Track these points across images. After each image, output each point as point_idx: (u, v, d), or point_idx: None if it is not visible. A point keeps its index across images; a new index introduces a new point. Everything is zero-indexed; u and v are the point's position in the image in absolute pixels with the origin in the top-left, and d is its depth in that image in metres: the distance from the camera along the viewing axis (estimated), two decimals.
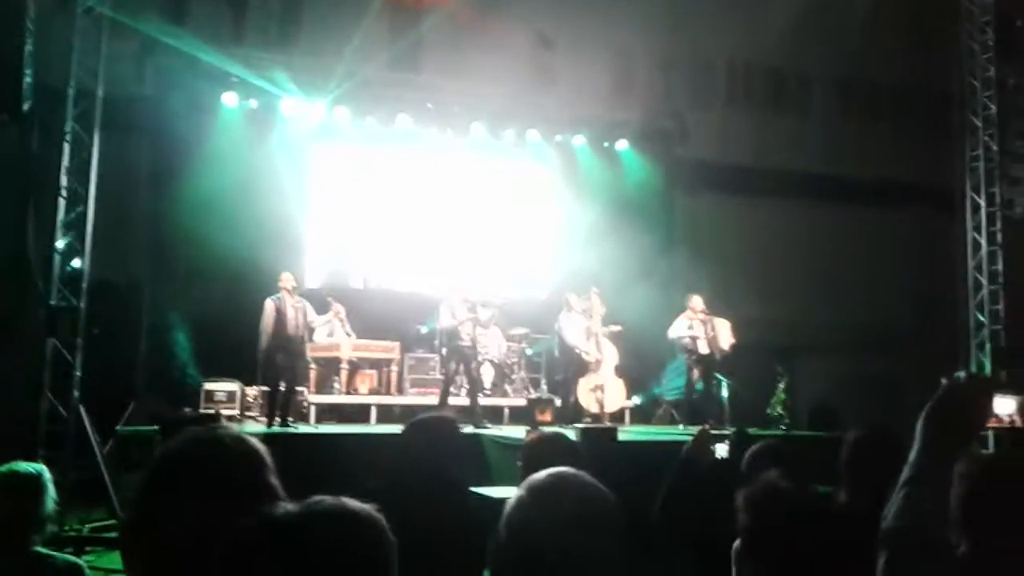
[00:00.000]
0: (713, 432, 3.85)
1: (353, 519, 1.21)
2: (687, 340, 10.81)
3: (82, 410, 8.41)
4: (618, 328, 11.21)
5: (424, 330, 11.75)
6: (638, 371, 12.15)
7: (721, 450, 3.53)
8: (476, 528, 2.93)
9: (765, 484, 2.16)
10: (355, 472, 3.51)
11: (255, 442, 1.69)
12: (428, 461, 2.99)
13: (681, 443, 3.46)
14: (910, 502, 1.58)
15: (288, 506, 1.22)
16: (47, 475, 2.94)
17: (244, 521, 1.21)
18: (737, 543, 2.17)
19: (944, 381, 1.70)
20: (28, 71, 9.35)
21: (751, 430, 8.64)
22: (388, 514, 1.27)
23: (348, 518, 1.20)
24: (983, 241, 12.85)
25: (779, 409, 11.05)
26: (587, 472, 1.66)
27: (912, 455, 1.64)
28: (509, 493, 1.68)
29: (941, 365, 11.78)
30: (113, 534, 7.62)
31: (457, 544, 2.71)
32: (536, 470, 1.69)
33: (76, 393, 8.50)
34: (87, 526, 7.89)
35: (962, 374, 1.70)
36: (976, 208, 12.99)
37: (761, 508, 2.08)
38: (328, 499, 1.23)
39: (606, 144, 14.28)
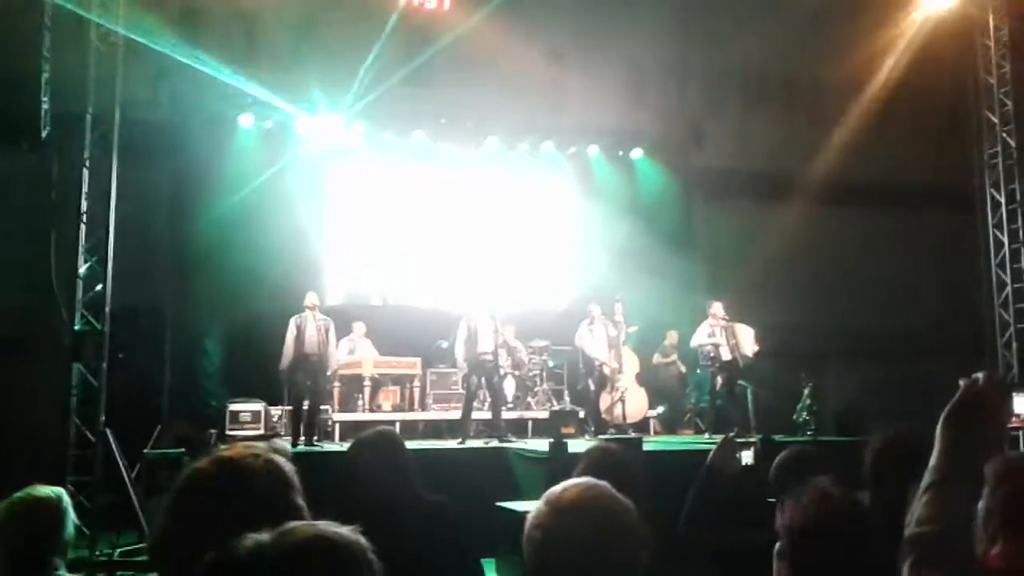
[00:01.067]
0: (738, 440, 3.82)
1: (329, 548, 1.14)
2: (709, 348, 10.76)
3: (109, 434, 8.45)
4: (634, 328, 11.19)
5: (444, 345, 11.75)
6: (659, 381, 12.11)
7: (747, 458, 3.49)
8: (441, 536, 2.94)
9: (815, 488, 2.16)
10: None
11: (282, 461, 1.69)
12: (374, 477, 3.00)
13: (706, 452, 3.43)
14: (934, 505, 1.55)
15: (259, 538, 1.15)
16: (67, 499, 2.94)
17: (213, 555, 1.16)
18: (778, 544, 2.16)
19: (962, 383, 1.68)
20: (46, 98, 9.48)
21: (777, 437, 8.57)
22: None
23: (323, 548, 1.14)
24: (1004, 239, 12.73)
25: (805, 415, 10.95)
26: (643, 487, 1.65)
27: (933, 459, 1.62)
28: (533, 507, 1.67)
29: (969, 366, 11.68)
30: (143, 558, 7.64)
31: (422, 557, 2.71)
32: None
33: (103, 417, 8.55)
34: (117, 550, 7.91)
35: (980, 375, 1.68)
36: (996, 206, 12.88)
37: (810, 511, 2.08)
38: (302, 526, 1.17)
39: (621, 153, 14.26)
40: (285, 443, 7.31)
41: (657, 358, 12.35)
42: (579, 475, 2.81)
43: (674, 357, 12.30)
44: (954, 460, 1.59)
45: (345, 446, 9.71)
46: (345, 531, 1.18)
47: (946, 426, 1.63)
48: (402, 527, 2.66)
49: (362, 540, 1.18)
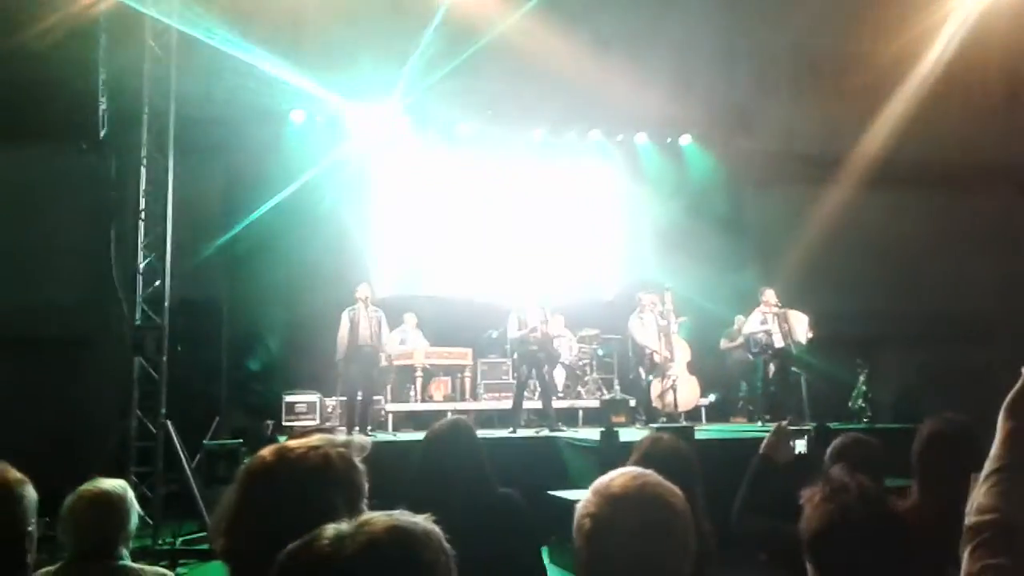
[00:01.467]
0: (792, 428, 3.79)
1: (407, 537, 1.17)
2: (761, 335, 10.66)
3: (170, 426, 8.65)
4: (684, 319, 11.13)
5: (495, 335, 11.80)
6: (711, 368, 12.03)
7: (800, 446, 3.45)
8: (511, 527, 2.97)
9: (827, 480, 2.07)
10: None
11: (351, 466, 1.69)
12: (449, 467, 3.05)
13: (759, 440, 3.40)
14: (995, 493, 1.54)
15: (341, 527, 1.17)
16: (130, 491, 3.02)
17: (295, 546, 1.18)
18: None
19: None
20: (103, 99, 9.70)
21: (832, 424, 8.48)
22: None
23: (402, 537, 1.16)
24: None
25: (860, 402, 10.80)
26: (696, 475, 1.64)
27: (994, 447, 1.60)
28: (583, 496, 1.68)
29: None
30: (204, 546, 7.82)
31: (493, 546, 2.73)
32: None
33: (163, 409, 8.75)
34: (179, 539, 8.11)
35: None
36: None
37: (818, 505, 2.01)
38: (380, 517, 1.19)
39: (669, 140, 14.16)
40: (366, 439, 7.42)
41: (724, 343, 12.21)
42: (632, 464, 2.82)
43: (740, 341, 12.15)
44: (1015, 448, 1.57)
45: (399, 436, 9.88)
46: (420, 520, 1.20)
47: (1008, 414, 1.61)
48: (475, 516, 2.70)
49: (437, 529, 1.20)
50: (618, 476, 1.64)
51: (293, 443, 1.70)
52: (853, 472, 2.11)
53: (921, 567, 1.63)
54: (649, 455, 2.85)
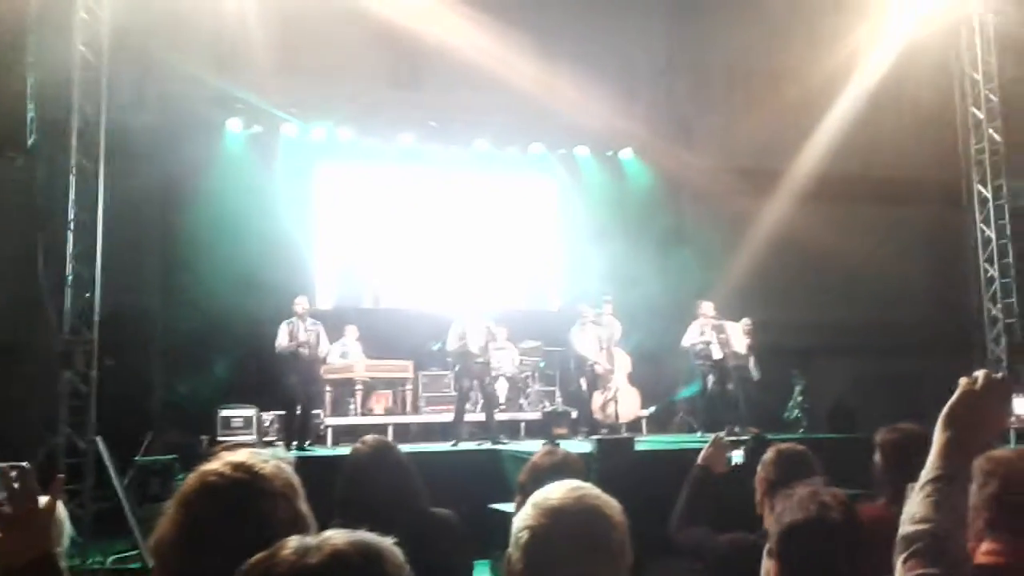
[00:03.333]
0: (729, 438, 3.83)
1: (372, 553, 1.18)
2: (700, 346, 10.77)
3: (99, 442, 8.41)
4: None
5: (436, 347, 11.74)
6: (652, 380, 12.11)
7: (737, 456, 3.49)
8: (441, 548, 2.92)
9: (804, 487, 2.16)
10: None
11: (291, 474, 1.68)
12: (379, 485, 2.98)
13: (698, 450, 3.43)
14: (930, 503, 1.55)
15: (305, 540, 1.19)
16: (62, 508, 2.92)
17: (255, 561, 1.19)
18: (768, 545, 2.15)
19: (962, 381, 1.68)
20: (31, 105, 9.42)
21: (768, 434, 8.59)
22: None
23: (368, 553, 1.18)
24: (992, 234, 12.76)
25: (796, 412, 10.98)
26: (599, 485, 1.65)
27: (931, 457, 1.62)
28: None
29: (958, 361, 11.73)
30: (136, 565, 7.62)
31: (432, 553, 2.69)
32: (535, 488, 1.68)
33: (92, 425, 8.50)
34: (110, 558, 7.88)
35: (980, 374, 1.68)
36: (983, 201, 12.90)
37: (799, 511, 2.08)
38: (342, 532, 1.21)
39: (610, 153, 14.29)
40: (287, 452, 7.31)
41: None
42: (522, 480, 2.84)
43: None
44: (950, 459, 1.59)
45: (337, 450, 9.75)
46: (382, 540, 1.22)
47: (944, 425, 1.63)
48: (402, 540, 2.64)
49: (397, 549, 1.22)
50: (556, 488, 1.63)
51: (239, 456, 1.68)
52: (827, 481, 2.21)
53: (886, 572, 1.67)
54: (538, 470, 2.85)
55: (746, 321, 11.09)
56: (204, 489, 1.61)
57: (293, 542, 1.18)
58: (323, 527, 1.29)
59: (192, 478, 1.65)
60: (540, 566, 1.54)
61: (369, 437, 3.29)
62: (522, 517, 1.60)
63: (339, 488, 3.04)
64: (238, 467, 1.64)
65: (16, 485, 1.64)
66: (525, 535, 1.56)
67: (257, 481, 1.62)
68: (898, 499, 3.01)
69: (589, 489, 1.63)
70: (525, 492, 1.69)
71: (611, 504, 1.61)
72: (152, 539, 1.64)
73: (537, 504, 1.59)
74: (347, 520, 2.70)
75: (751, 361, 11.03)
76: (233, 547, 1.25)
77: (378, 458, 3.10)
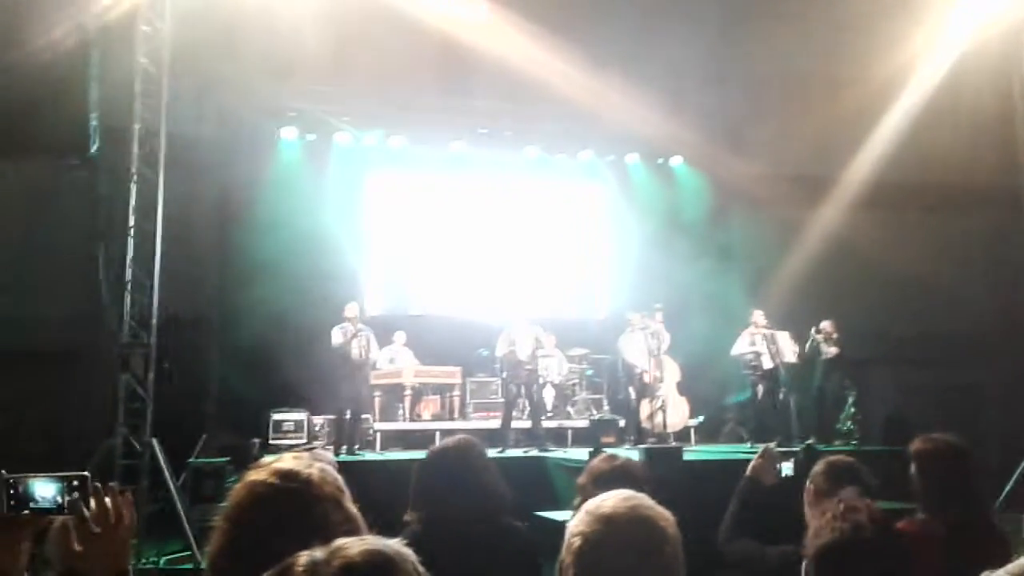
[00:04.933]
0: (780, 449, 3.79)
1: (382, 562, 1.17)
2: (750, 356, 10.67)
3: (155, 444, 8.59)
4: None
5: (485, 354, 11.78)
6: (701, 389, 12.02)
7: (787, 468, 3.45)
8: (519, 549, 2.90)
9: (837, 506, 2.14)
10: None
11: (332, 469, 1.70)
12: (454, 487, 2.91)
13: (747, 461, 3.41)
14: None
15: (315, 553, 1.18)
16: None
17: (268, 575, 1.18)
18: (806, 562, 2.14)
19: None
20: (94, 115, 9.68)
21: (820, 446, 8.47)
22: (426, 546, 1.24)
23: (377, 562, 1.17)
24: None
25: (849, 424, 10.80)
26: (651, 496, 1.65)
27: None
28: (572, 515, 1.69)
29: (1016, 371, 11.44)
30: (189, 565, 7.75)
31: (500, 567, 2.69)
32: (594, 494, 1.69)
33: (149, 427, 8.68)
34: (163, 558, 8.03)
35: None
36: None
37: (835, 528, 2.06)
38: (354, 542, 1.19)
39: (660, 161, 14.24)
40: (327, 452, 7.40)
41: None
42: (581, 483, 2.83)
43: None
44: None
45: (386, 455, 9.83)
46: (394, 543, 1.20)
47: None
48: (474, 544, 2.64)
49: (410, 553, 1.20)
50: (610, 497, 1.65)
51: (283, 462, 1.69)
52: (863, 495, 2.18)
53: None
54: (598, 477, 2.84)
55: (826, 324, 10.96)
56: (254, 500, 1.62)
57: (303, 558, 1.17)
58: (385, 526, 1.28)
59: (240, 489, 1.66)
60: (592, 573, 1.55)
61: (456, 437, 3.24)
62: (575, 523, 1.61)
63: (418, 480, 2.99)
64: (286, 475, 1.64)
65: (105, 500, 1.67)
66: (577, 541, 1.57)
67: (306, 488, 1.62)
68: (936, 512, 2.97)
69: (643, 499, 1.63)
70: (585, 495, 1.70)
71: (665, 515, 1.62)
72: (207, 554, 1.66)
73: (590, 511, 1.61)
74: (420, 515, 2.71)
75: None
76: (286, 556, 1.24)
77: (464, 457, 3.04)
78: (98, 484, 1.71)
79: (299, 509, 1.60)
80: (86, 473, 1.73)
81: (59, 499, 1.67)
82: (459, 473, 2.97)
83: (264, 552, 1.51)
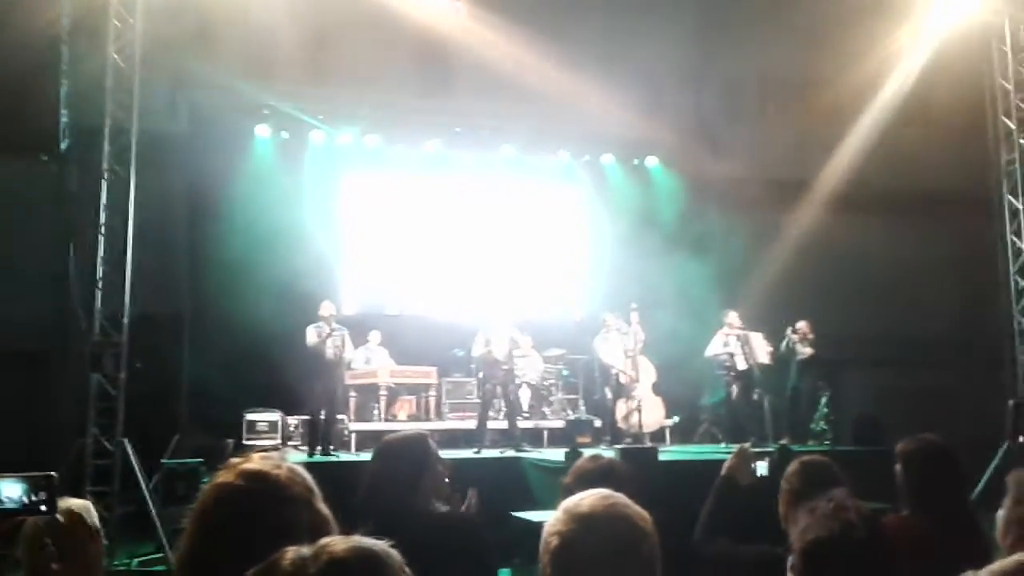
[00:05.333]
0: (755, 449, 3.81)
1: (369, 560, 1.17)
2: (724, 357, 10.73)
3: (127, 444, 8.49)
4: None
5: (460, 354, 11.76)
6: (676, 389, 12.06)
7: (762, 468, 3.47)
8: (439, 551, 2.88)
9: (826, 505, 2.15)
10: None
11: (306, 476, 1.68)
12: (397, 483, 2.90)
13: (722, 461, 3.42)
14: None
15: (301, 550, 1.18)
16: (93, 511, 2.95)
17: (253, 572, 1.18)
18: (792, 559, 2.15)
19: None
20: (64, 111, 9.56)
21: (794, 446, 8.53)
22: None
23: (364, 560, 1.17)
24: (1022, 245, 12.58)
25: (822, 424, 10.88)
26: (629, 495, 1.65)
27: None
28: (549, 517, 1.68)
29: (987, 373, 11.57)
30: (161, 567, 7.68)
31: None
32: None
33: (120, 427, 8.58)
34: (135, 560, 7.96)
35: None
36: (1014, 212, 12.72)
37: (822, 526, 2.07)
38: (340, 539, 1.19)
39: (636, 162, 14.28)
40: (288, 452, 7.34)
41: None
42: (567, 483, 2.83)
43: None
44: None
45: (361, 456, 9.78)
46: (380, 544, 1.20)
47: None
48: (406, 538, 2.61)
49: (397, 554, 1.20)
50: (588, 496, 1.64)
51: (251, 463, 1.67)
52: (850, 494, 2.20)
53: None
54: (584, 477, 2.83)
55: (801, 324, 11.03)
56: (220, 502, 1.60)
57: (290, 553, 1.17)
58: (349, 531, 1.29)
59: (207, 491, 1.63)
60: (568, 572, 1.54)
61: (402, 431, 3.22)
62: (552, 522, 1.61)
63: (363, 481, 2.98)
64: (252, 476, 1.61)
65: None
66: (555, 540, 1.57)
67: (273, 489, 1.60)
68: (921, 509, 3.02)
69: (620, 498, 1.63)
70: (570, 495, 1.70)
71: (642, 515, 1.62)
72: (175, 557, 1.63)
73: (568, 510, 1.60)
74: (366, 523, 2.69)
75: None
76: (257, 558, 1.23)
77: (388, 457, 3.02)
78: (52, 475, 1.68)
79: (267, 510, 1.57)
80: (52, 473, 1.70)
81: (25, 499, 1.65)
82: (392, 471, 2.94)
83: (233, 554, 1.49)
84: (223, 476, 1.64)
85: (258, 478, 1.62)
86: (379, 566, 1.17)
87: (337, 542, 1.18)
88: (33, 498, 1.65)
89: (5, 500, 1.65)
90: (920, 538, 2.81)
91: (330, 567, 1.14)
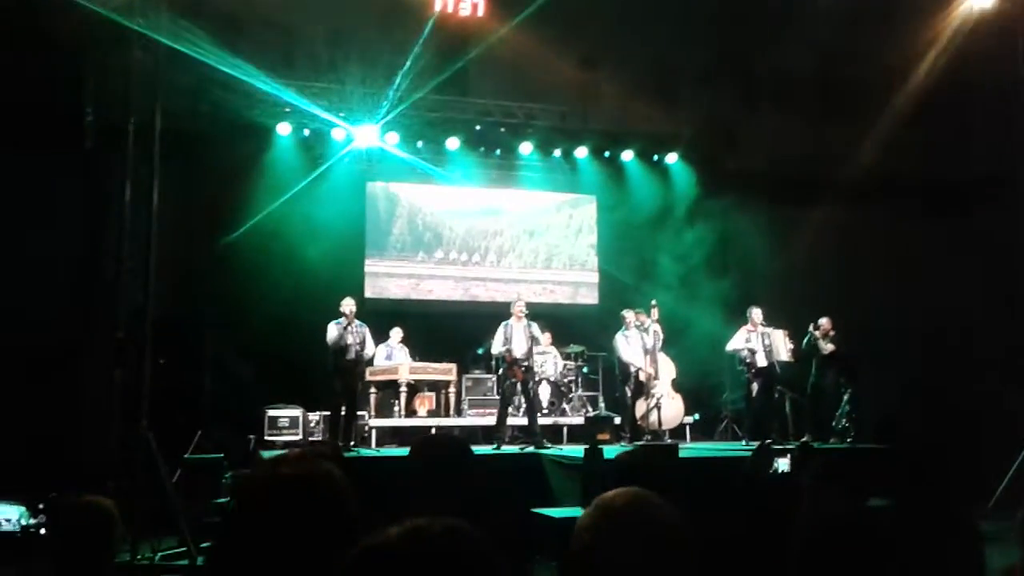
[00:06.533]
0: (775, 447, 3.80)
1: (463, 540, 1.19)
2: (745, 353, 10.69)
3: (150, 439, 8.56)
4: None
5: (480, 351, 11.79)
6: (696, 387, 12.04)
7: (783, 465, 3.46)
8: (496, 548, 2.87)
9: (819, 503, 2.13)
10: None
11: (340, 474, 1.68)
12: (435, 485, 2.89)
13: (743, 459, 3.41)
14: None
15: (393, 532, 1.19)
16: (114, 508, 2.99)
17: (360, 547, 1.19)
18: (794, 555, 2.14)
19: None
20: (89, 110, 9.64)
21: (816, 444, 8.49)
22: None
23: (456, 539, 1.18)
24: None
25: (844, 422, 10.82)
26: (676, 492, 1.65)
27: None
28: (570, 513, 1.68)
29: (1014, 371, 11.43)
30: (184, 562, 7.74)
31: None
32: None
33: (144, 422, 8.65)
34: (158, 554, 8.01)
35: None
36: None
37: (812, 523, 2.05)
38: (430, 520, 1.20)
39: (655, 158, 14.24)
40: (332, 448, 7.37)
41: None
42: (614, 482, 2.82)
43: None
44: None
45: (381, 452, 9.83)
46: (466, 524, 1.21)
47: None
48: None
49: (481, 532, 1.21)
50: (621, 492, 1.64)
51: (286, 463, 1.67)
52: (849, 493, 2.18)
53: None
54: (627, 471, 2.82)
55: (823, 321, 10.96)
56: (278, 492, 1.59)
57: (394, 529, 1.18)
58: (381, 523, 1.27)
59: (256, 481, 1.63)
60: (598, 567, 1.55)
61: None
62: (584, 517, 1.62)
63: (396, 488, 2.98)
64: (310, 469, 1.61)
65: None
66: (585, 536, 1.58)
67: (330, 481, 1.60)
68: (914, 507, 2.99)
69: (653, 497, 1.64)
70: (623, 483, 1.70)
71: (673, 513, 1.62)
72: (211, 548, 1.63)
73: (600, 506, 1.61)
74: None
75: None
76: (314, 550, 1.22)
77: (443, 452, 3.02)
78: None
79: (326, 502, 1.58)
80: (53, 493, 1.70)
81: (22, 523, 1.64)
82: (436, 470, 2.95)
83: (286, 546, 1.49)
84: (279, 466, 1.63)
85: (315, 470, 1.62)
86: (476, 542, 1.19)
87: (432, 521, 1.20)
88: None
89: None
90: (913, 535, 2.79)
91: (441, 536, 1.16)
